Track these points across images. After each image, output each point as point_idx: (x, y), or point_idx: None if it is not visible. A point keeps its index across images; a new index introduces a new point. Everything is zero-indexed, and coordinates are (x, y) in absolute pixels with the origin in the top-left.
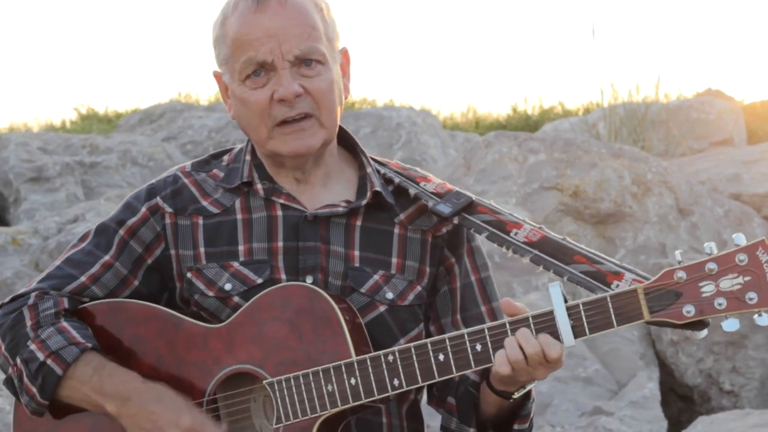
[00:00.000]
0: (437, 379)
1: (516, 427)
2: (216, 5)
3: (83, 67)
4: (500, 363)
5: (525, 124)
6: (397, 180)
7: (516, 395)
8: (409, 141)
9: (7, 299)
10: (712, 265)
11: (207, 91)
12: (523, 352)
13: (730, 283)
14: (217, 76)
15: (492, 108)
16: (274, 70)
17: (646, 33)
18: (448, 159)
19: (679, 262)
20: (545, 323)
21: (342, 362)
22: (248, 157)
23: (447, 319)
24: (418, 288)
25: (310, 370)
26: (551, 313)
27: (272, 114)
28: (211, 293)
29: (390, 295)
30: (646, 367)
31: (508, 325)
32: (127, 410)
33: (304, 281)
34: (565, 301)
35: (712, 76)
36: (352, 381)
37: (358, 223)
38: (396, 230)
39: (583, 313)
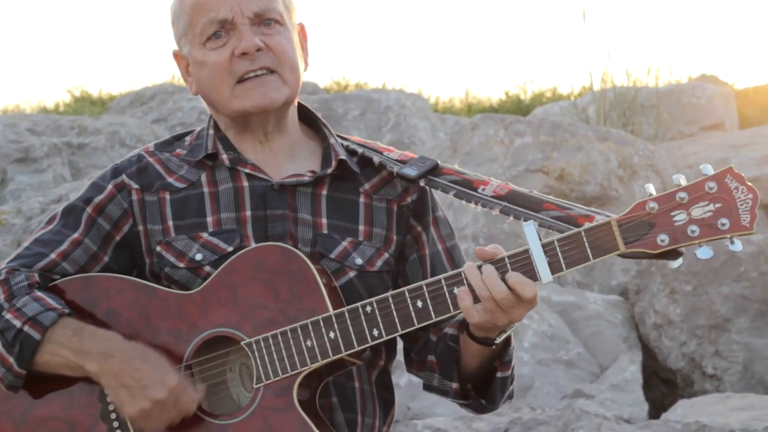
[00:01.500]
0: (416, 326)
1: (499, 374)
2: None
3: (78, 50)
4: (467, 312)
5: (517, 109)
6: (360, 150)
7: (498, 340)
8: (398, 124)
9: None
10: (682, 194)
11: None
12: (491, 293)
13: (701, 210)
14: (176, 54)
15: (489, 93)
16: (234, 29)
17: (639, 17)
18: (436, 142)
19: (650, 195)
20: (521, 261)
21: (320, 317)
22: (211, 131)
23: None
24: (386, 255)
25: (288, 327)
26: (527, 251)
27: (233, 70)
28: (182, 264)
29: (359, 261)
30: (629, 350)
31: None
32: (110, 368)
33: None
34: (540, 239)
35: (706, 61)
36: (331, 335)
37: (324, 192)
38: (361, 199)
39: (558, 249)
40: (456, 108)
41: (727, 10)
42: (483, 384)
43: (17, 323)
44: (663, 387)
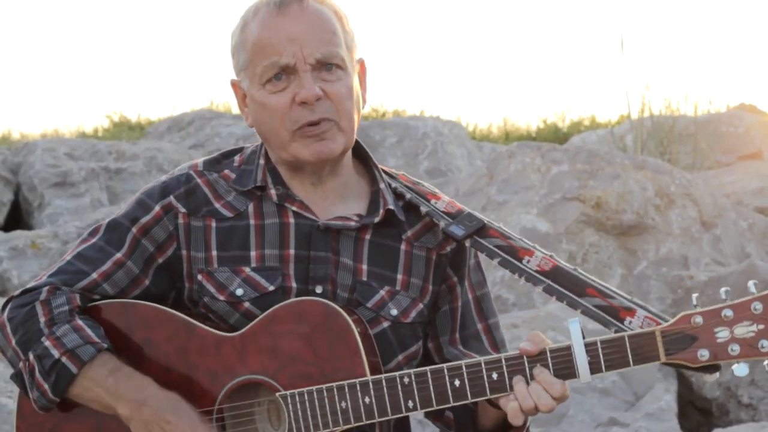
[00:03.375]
0: (452, 404)
1: None
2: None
3: (117, 75)
4: (513, 416)
5: (555, 137)
6: (408, 196)
7: (528, 424)
8: (435, 151)
9: (17, 292)
10: (728, 312)
11: None
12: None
13: (744, 330)
14: (234, 84)
15: (527, 121)
16: (295, 74)
17: (676, 46)
18: (472, 169)
19: (695, 306)
20: (563, 357)
21: (357, 380)
22: (262, 161)
23: (446, 337)
24: (420, 305)
25: (324, 386)
26: (569, 348)
27: (292, 117)
28: (221, 297)
29: (394, 312)
30: (664, 379)
31: (525, 357)
32: (141, 415)
33: (314, 291)
34: (584, 337)
35: (746, 90)
36: (366, 400)
37: (368, 237)
38: (402, 247)
39: (600, 351)
40: (493, 136)
41: (766, 40)
42: None
43: (56, 353)
44: (698, 416)
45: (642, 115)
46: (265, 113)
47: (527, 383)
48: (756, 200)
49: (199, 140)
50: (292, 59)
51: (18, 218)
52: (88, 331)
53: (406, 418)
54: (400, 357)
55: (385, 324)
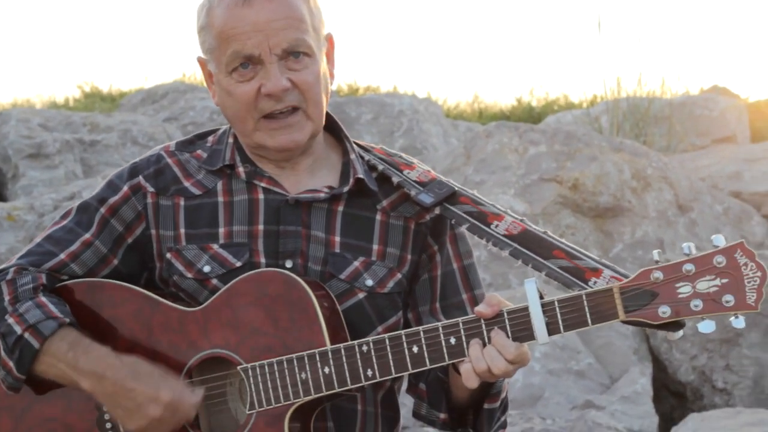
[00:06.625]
0: (410, 371)
1: (486, 406)
2: None
3: (89, 45)
4: (467, 378)
5: (528, 116)
6: (380, 167)
7: (493, 390)
8: (410, 129)
9: None
10: (689, 266)
11: None
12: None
13: (707, 284)
14: (201, 62)
15: (498, 99)
16: (261, 64)
17: (653, 28)
18: (448, 148)
19: (656, 262)
20: (520, 319)
21: (316, 351)
22: (231, 140)
23: (425, 307)
24: (398, 275)
25: (284, 357)
26: (526, 309)
27: (259, 106)
28: (189, 275)
29: (369, 282)
30: (640, 362)
31: (483, 320)
32: (103, 388)
33: (284, 265)
34: (541, 297)
35: (718, 73)
36: (326, 370)
37: (340, 208)
38: (378, 217)
39: (558, 311)
40: (466, 113)
41: (739, 22)
42: (474, 414)
43: (18, 329)
44: (672, 399)
45: (617, 97)
46: (230, 100)
47: (484, 346)
48: (731, 184)
49: (174, 113)
50: (257, 50)
51: None
52: (51, 306)
53: (393, 393)
54: (380, 328)
55: (361, 295)
